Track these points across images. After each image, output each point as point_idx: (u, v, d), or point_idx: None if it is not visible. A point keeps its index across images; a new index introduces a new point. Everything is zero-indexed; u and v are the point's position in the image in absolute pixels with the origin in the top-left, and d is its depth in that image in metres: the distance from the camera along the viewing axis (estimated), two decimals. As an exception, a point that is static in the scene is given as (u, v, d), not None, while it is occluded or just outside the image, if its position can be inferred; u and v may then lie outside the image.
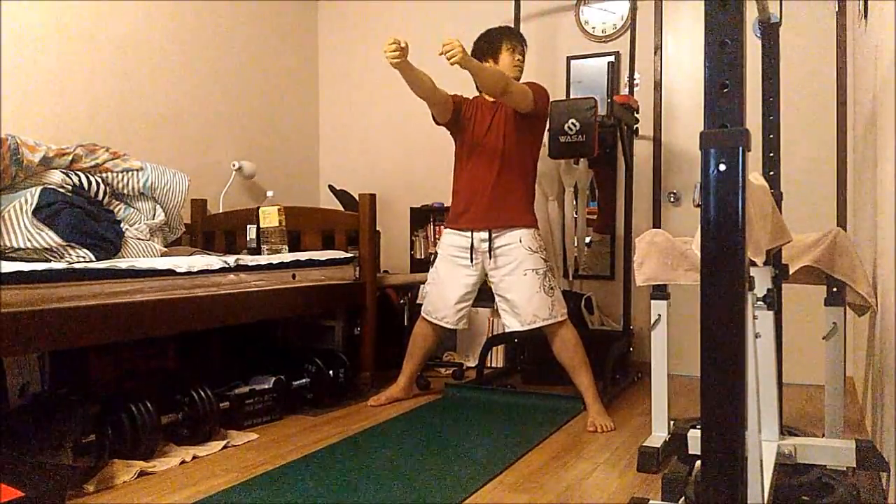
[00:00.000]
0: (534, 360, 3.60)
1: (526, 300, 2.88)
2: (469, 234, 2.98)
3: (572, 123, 3.23)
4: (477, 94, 3.09)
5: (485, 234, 2.95)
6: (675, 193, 3.77)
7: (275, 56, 4.35)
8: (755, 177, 1.63)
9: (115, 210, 2.92)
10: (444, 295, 3.05)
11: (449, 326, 3.10)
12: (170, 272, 2.46)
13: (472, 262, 2.99)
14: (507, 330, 3.02)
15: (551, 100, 3.15)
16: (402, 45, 2.66)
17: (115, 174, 2.94)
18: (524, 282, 2.88)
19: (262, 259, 2.97)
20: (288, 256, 3.12)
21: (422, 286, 3.28)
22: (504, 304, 2.96)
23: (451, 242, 3.05)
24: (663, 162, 3.68)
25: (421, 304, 3.98)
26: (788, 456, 1.93)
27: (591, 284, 3.88)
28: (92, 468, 2.10)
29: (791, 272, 2.10)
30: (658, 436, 2.31)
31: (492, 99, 3.00)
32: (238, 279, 2.74)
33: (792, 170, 3.32)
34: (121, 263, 2.39)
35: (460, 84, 3.15)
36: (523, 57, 3.05)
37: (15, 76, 2.91)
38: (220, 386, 2.70)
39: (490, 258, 2.96)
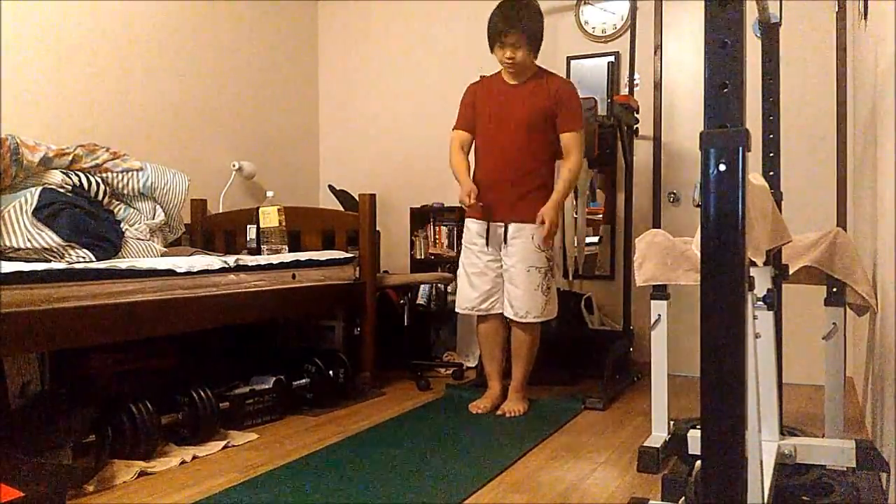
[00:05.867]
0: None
1: (523, 293, 2.92)
2: (486, 222, 3.00)
3: (572, 123, 3.22)
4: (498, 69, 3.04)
5: (500, 223, 2.97)
6: (675, 193, 3.77)
7: (275, 56, 4.35)
8: (755, 177, 1.63)
9: (115, 210, 2.92)
10: (474, 286, 3.03)
11: (491, 313, 3.03)
12: (170, 272, 2.46)
13: (487, 245, 3.00)
14: (506, 314, 2.99)
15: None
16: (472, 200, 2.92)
17: (115, 174, 2.93)
18: (526, 277, 2.92)
19: (262, 259, 2.97)
20: (288, 256, 3.12)
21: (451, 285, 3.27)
22: (509, 294, 2.97)
23: (470, 230, 3.05)
24: (663, 162, 3.68)
25: (421, 304, 3.99)
26: (788, 456, 1.93)
27: (591, 284, 3.88)
28: (92, 468, 2.10)
29: (791, 272, 2.10)
30: (658, 436, 2.31)
31: (513, 82, 2.98)
32: (238, 279, 2.74)
33: (792, 170, 3.32)
34: (121, 263, 2.39)
35: (463, 78, 3.16)
36: (518, 40, 2.83)
37: (15, 76, 2.91)
38: (220, 386, 2.70)
39: (504, 244, 2.98)
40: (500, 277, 3.01)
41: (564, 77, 3.00)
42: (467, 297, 3.05)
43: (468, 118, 3.07)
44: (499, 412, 2.94)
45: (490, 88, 3.05)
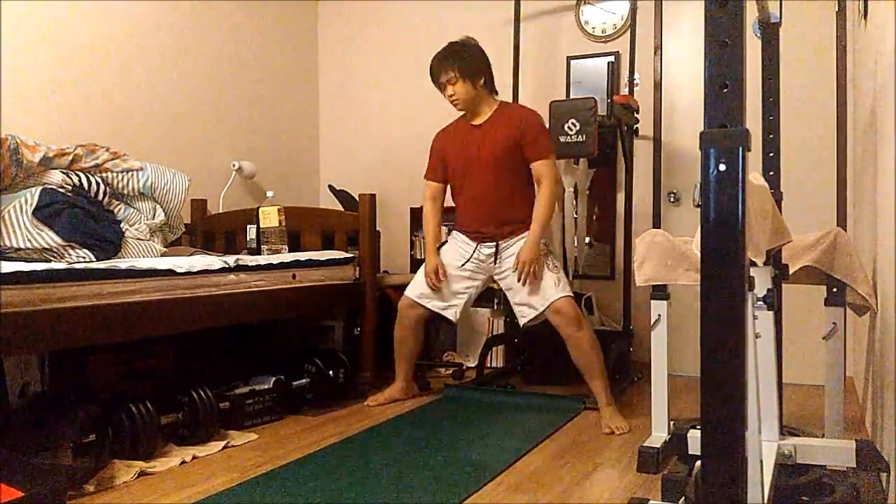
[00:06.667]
0: (534, 360, 3.60)
1: (534, 285, 2.84)
2: (476, 244, 2.99)
3: (572, 123, 3.23)
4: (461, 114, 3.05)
5: (491, 243, 2.96)
6: (675, 193, 3.77)
7: (275, 56, 4.35)
8: (755, 177, 1.63)
9: (115, 210, 2.92)
10: (439, 283, 3.03)
11: (437, 311, 3.05)
12: (170, 272, 2.46)
13: (475, 268, 3.00)
14: (522, 322, 2.94)
15: (552, 100, 3.16)
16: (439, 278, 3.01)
17: (115, 174, 2.94)
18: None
19: (262, 259, 2.97)
20: (288, 256, 3.12)
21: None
22: (516, 297, 2.93)
23: (458, 244, 3.05)
24: (663, 162, 3.68)
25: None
26: (788, 456, 1.93)
27: (591, 284, 3.88)
28: (92, 468, 2.10)
29: (791, 272, 2.10)
30: (658, 436, 2.31)
31: (476, 122, 2.98)
32: (238, 279, 2.74)
33: (792, 170, 3.32)
34: (121, 263, 2.39)
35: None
36: (453, 76, 2.88)
37: (15, 76, 2.91)
38: (220, 386, 2.70)
39: (496, 262, 2.96)
40: (471, 291, 3.03)
41: (528, 107, 3.01)
42: (442, 293, 3.02)
43: (437, 168, 3.10)
44: (605, 430, 2.70)
45: (455, 133, 3.05)
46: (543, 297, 2.84)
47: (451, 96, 2.93)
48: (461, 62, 2.90)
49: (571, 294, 2.87)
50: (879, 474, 1.92)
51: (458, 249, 3.04)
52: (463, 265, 3.01)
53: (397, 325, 3.15)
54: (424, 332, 3.23)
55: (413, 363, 3.23)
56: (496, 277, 3.01)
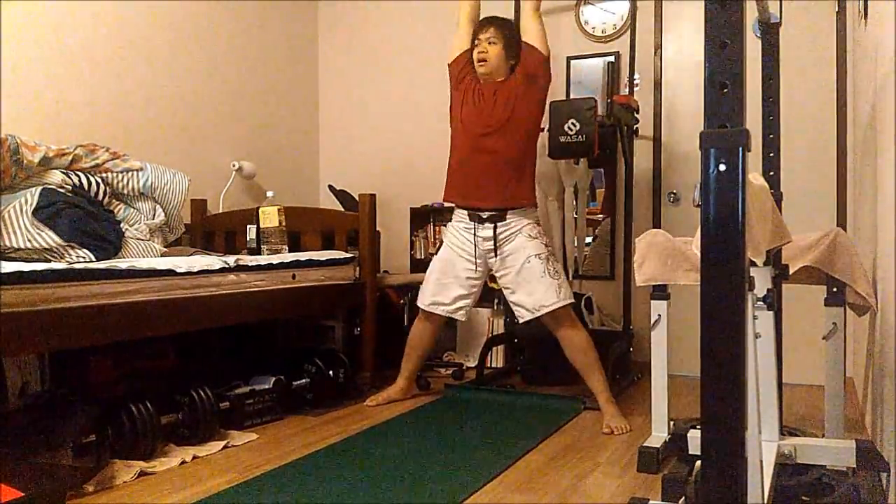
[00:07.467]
0: (534, 360, 3.60)
1: (533, 287, 2.86)
2: (472, 234, 2.96)
3: (572, 123, 3.23)
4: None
5: (489, 233, 2.92)
6: (675, 193, 3.77)
7: (275, 56, 4.35)
8: (755, 177, 1.63)
9: (115, 210, 2.92)
10: (445, 284, 3.04)
11: (447, 315, 3.08)
12: (170, 272, 2.46)
13: (475, 267, 2.99)
14: (518, 320, 2.97)
15: (551, 100, 3.15)
16: None
17: (115, 174, 2.93)
18: (528, 270, 2.87)
19: (262, 259, 2.97)
20: (288, 256, 3.12)
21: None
22: (512, 296, 2.95)
23: (455, 241, 3.03)
24: (663, 162, 3.68)
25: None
26: (788, 456, 1.93)
27: (591, 284, 3.88)
28: (92, 468, 2.10)
29: (791, 272, 2.10)
30: (658, 436, 2.31)
31: (498, 80, 2.98)
32: (238, 279, 2.74)
33: (792, 170, 3.32)
34: (121, 263, 2.39)
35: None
36: (495, 35, 2.95)
37: (15, 76, 2.91)
38: (220, 386, 2.70)
39: (495, 257, 2.94)
40: (476, 288, 3.05)
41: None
42: (447, 296, 3.04)
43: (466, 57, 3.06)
44: (604, 430, 2.69)
45: (474, 79, 3.02)
46: (545, 303, 2.85)
47: (482, 52, 2.96)
48: (510, 35, 3.00)
49: (573, 300, 2.90)
50: (879, 474, 1.92)
51: (458, 246, 3.02)
52: (467, 268, 3.00)
53: (416, 326, 3.16)
54: (437, 338, 3.24)
55: (420, 365, 3.23)
56: (495, 272, 3.01)
